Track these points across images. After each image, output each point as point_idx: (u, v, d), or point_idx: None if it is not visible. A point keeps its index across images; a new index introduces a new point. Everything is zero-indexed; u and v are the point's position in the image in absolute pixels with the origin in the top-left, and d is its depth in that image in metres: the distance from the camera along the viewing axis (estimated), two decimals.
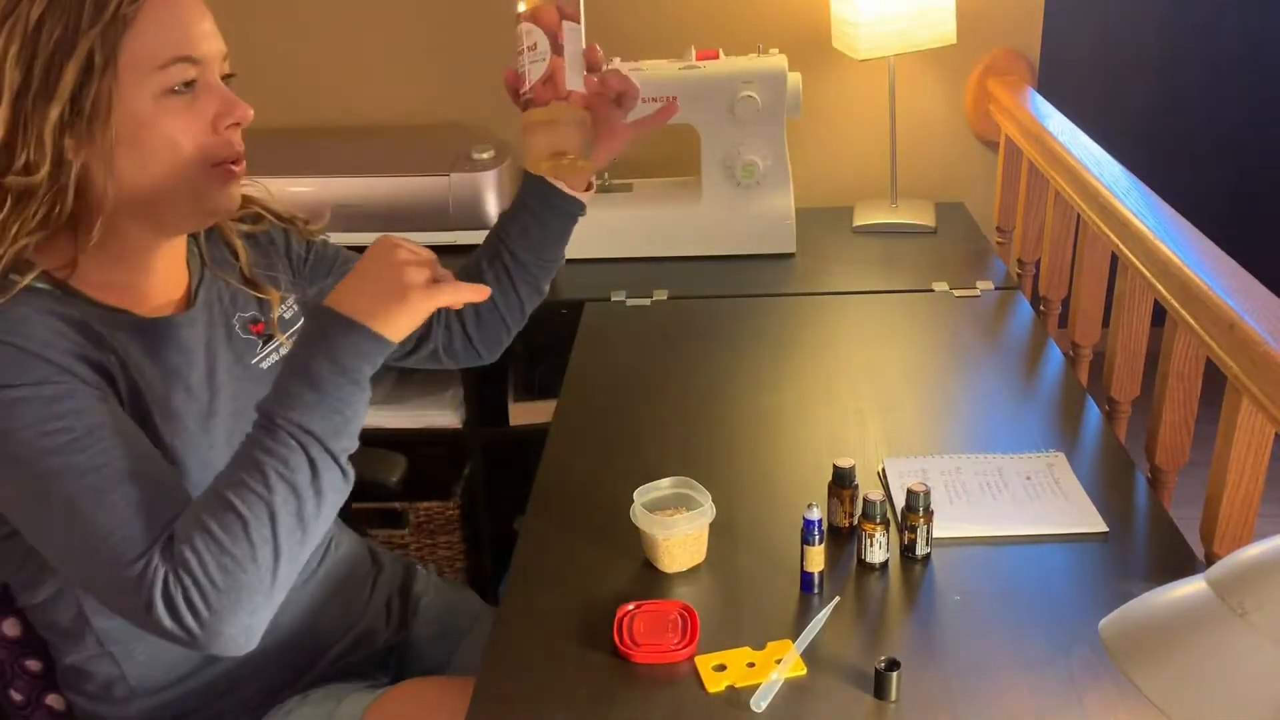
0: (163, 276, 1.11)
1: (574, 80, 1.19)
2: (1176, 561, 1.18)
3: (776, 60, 2.00)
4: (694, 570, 1.19)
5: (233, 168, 1.05)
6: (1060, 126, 1.95)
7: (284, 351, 1.20)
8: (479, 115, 2.39)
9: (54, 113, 0.95)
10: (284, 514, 0.94)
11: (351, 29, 2.37)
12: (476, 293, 1.04)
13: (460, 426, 2.12)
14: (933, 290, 1.90)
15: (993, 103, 2.27)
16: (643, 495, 1.21)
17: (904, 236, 2.17)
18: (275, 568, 0.94)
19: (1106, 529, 1.22)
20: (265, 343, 1.19)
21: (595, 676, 1.04)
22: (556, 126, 1.19)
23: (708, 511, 1.19)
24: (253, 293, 1.20)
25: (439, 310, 1.27)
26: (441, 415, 2.12)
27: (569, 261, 2.09)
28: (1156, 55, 3.35)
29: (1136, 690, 0.71)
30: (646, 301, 1.91)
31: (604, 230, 2.09)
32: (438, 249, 1.30)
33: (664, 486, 1.23)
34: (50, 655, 1.16)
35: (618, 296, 1.93)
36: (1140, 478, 1.33)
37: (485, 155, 2.17)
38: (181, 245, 1.14)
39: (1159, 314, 1.51)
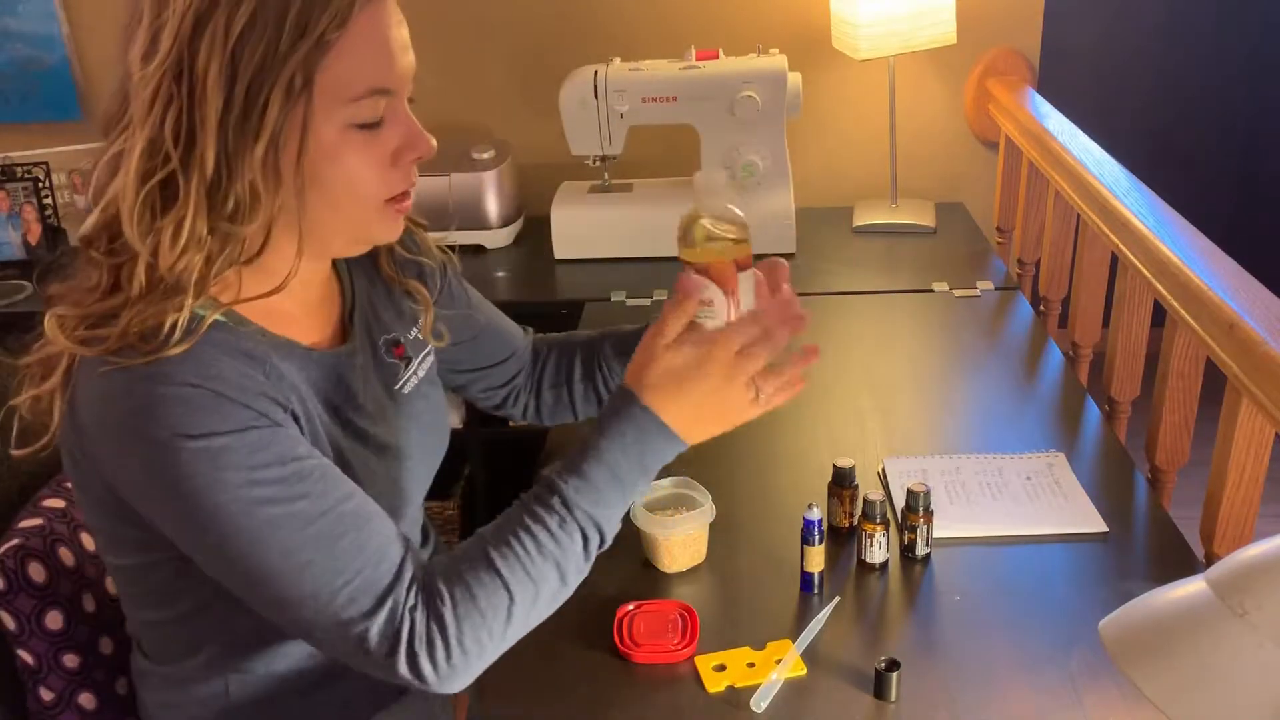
0: (319, 299, 1.07)
1: None
2: (1176, 561, 1.18)
3: (776, 60, 2.00)
4: (694, 570, 1.19)
5: (401, 204, 0.99)
6: (1060, 126, 1.95)
7: (421, 374, 1.15)
8: (479, 115, 2.39)
9: (259, 148, 0.87)
10: (544, 595, 0.94)
11: None
12: (792, 391, 1.01)
13: (460, 426, 2.11)
14: (933, 290, 1.89)
15: (992, 103, 2.27)
16: (643, 495, 1.21)
17: (904, 236, 2.17)
18: (515, 636, 0.95)
19: (1106, 529, 1.22)
20: (405, 366, 1.14)
21: (595, 676, 1.04)
22: None
23: (708, 511, 1.19)
24: (406, 292, 1.14)
25: (526, 382, 1.32)
26: None
27: (568, 261, 2.10)
28: (1156, 55, 3.35)
29: (1136, 690, 0.71)
30: (646, 301, 1.91)
31: (604, 230, 2.09)
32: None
33: (664, 486, 1.23)
34: (88, 653, 1.15)
35: (618, 296, 1.93)
36: (1140, 478, 1.33)
37: (485, 155, 2.17)
38: (327, 265, 1.09)
39: (1159, 314, 1.51)
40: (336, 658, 0.95)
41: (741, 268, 1.12)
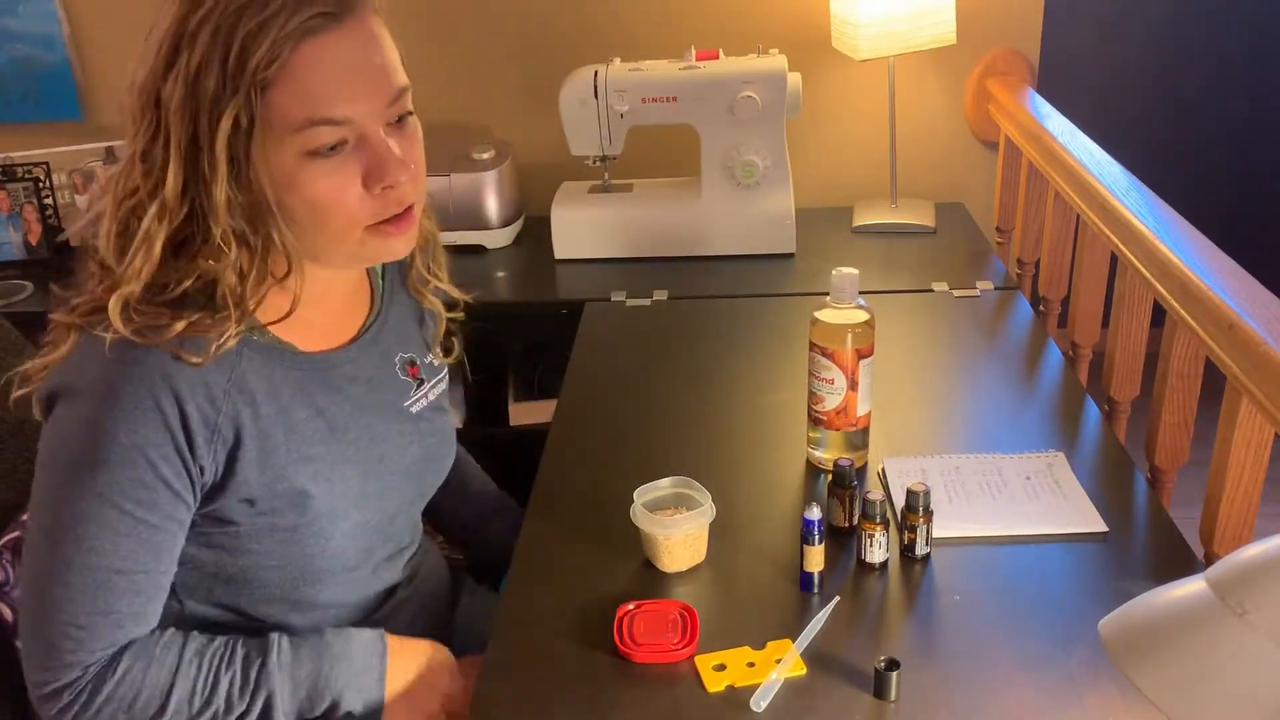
0: (341, 307, 1.11)
1: (864, 406, 1.32)
2: (1176, 561, 1.18)
3: (776, 60, 2.00)
4: (694, 570, 1.19)
5: (395, 226, 1.01)
6: (1060, 126, 1.95)
7: (431, 397, 1.20)
8: (479, 115, 2.39)
9: (219, 179, 0.92)
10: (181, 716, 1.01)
11: None
12: None
13: (460, 426, 2.11)
14: (932, 290, 1.90)
15: (992, 103, 2.27)
16: (643, 495, 1.21)
17: (904, 236, 2.17)
18: None
19: (1106, 529, 1.22)
20: (417, 386, 1.18)
21: (595, 676, 1.04)
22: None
23: (708, 511, 1.19)
24: (427, 310, 1.21)
25: None
26: None
27: (568, 261, 2.10)
28: (1156, 55, 3.35)
29: (1136, 690, 0.71)
30: (646, 301, 1.91)
31: (604, 230, 2.10)
32: None
33: (664, 486, 1.23)
34: None
35: (618, 296, 1.93)
36: (1140, 478, 1.33)
37: (485, 155, 2.17)
38: (360, 275, 1.14)
39: (1159, 314, 1.51)
40: (25, 666, 1.00)
41: (863, 356, 1.29)
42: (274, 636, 1.05)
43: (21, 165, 2.20)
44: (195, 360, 0.95)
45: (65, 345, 0.98)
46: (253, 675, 1.02)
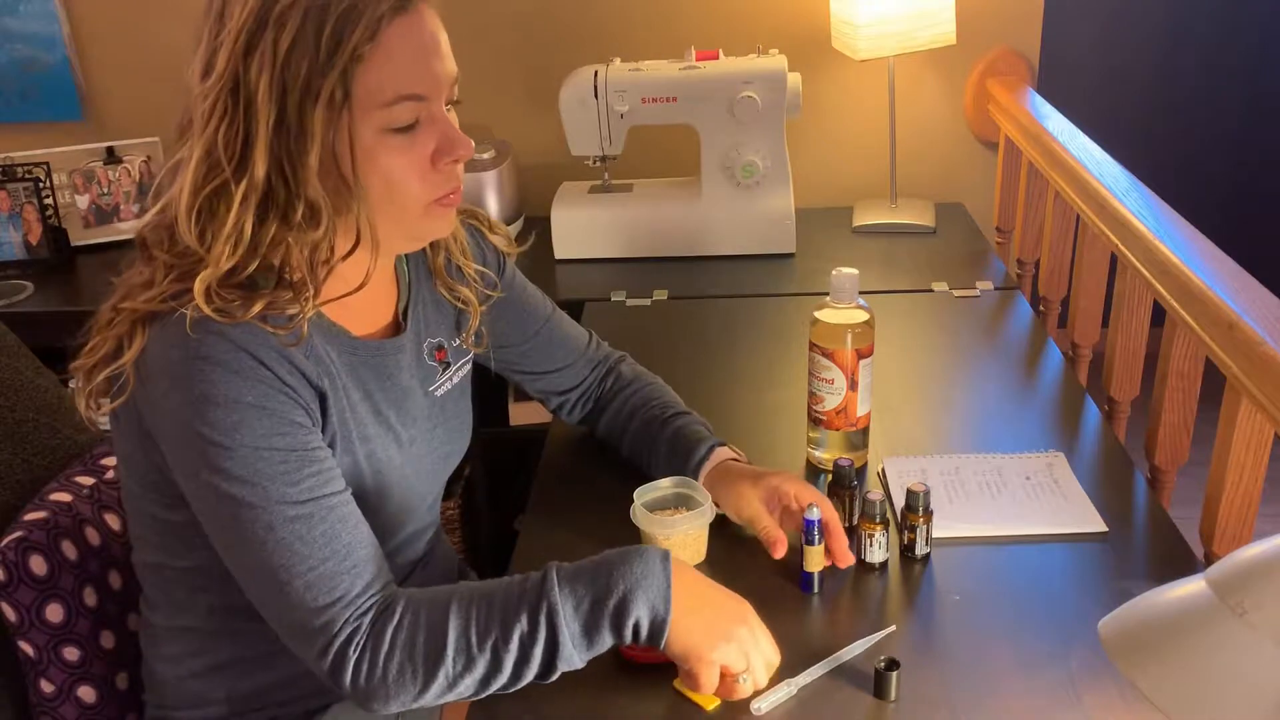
0: (376, 293, 1.13)
1: (864, 406, 1.32)
2: (1176, 561, 1.18)
3: (776, 60, 2.00)
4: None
5: (448, 202, 1.05)
6: (1060, 126, 1.95)
7: (455, 380, 1.22)
8: (479, 115, 2.39)
9: (312, 157, 0.94)
10: (474, 676, 0.97)
11: None
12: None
13: None
14: (932, 290, 1.90)
15: (992, 103, 2.27)
16: (643, 495, 1.21)
17: (904, 236, 2.17)
18: (434, 694, 0.97)
19: (1106, 529, 1.22)
20: (443, 370, 1.20)
21: (595, 676, 1.04)
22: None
23: (708, 511, 1.19)
24: (452, 302, 1.21)
25: (581, 401, 1.41)
26: None
27: (568, 261, 2.10)
28: (1156, 55, 3.35)
29: (1136, 690, 0.71)
30: (646, 301, 1.91)
31: (604, 230, 2.10)
32: None
33: (664, 486, 1.23)
34: (89, 646, 1.17)
35: (618, 296, 1.93)
36: (1140, 477, 1.33)
37: (485, 155, 2.17)
38: (391, 261, 1.16)
39: (1159, 314, 1.51)
40: (282, 637, 1.00)
41: (863, 356, 1.29)
42: (548, 564, 1.01)
43: (21, 165, 2.20)
44: (281, 331, 0.97)
45: (136, 340, 0.97)
46: (529, 587, 0.98)
